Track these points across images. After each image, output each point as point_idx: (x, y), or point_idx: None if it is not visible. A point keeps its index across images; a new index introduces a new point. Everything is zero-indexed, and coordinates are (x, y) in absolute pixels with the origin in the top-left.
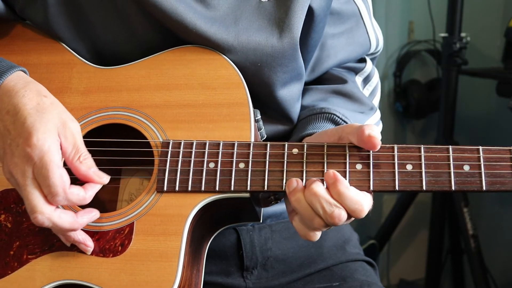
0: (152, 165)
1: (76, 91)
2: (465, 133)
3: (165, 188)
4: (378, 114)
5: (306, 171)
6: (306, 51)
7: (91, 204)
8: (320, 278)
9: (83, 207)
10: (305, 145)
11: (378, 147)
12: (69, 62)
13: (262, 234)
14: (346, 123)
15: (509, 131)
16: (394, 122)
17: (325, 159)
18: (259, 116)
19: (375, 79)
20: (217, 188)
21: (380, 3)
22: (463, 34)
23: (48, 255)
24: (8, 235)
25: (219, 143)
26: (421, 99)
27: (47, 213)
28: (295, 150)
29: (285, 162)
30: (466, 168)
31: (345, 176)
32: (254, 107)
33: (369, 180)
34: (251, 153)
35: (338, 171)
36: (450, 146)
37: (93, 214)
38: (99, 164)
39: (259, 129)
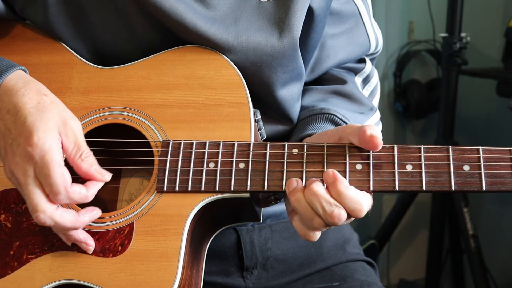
0: (152, 165)
1: (76, 91)
2: (465, 133)
3: (165, 188)
4: (377, 114)
5: (306, 171)
6: (306, 51)
7: (91, 204)
8: (320, 278)
9: (83, 206)
10: (305, 145)
11: (380, 147)
12: (69, 62)
13: (262, 234)
14: (346, 123)
15: (509, 131)
16: (394, 122)
17: (325, 159)
18: (259, 116)
19: (375, 80)
20: (217, 188)
21: (380, 3)
22: (463, 34)
23: (48, 255)
24: (8, 235)
25: (219, 143)
26: (421, 99)
27: (49, 212)
28: (295, 150)
29: (285, 162)
30: (466, 168)
31: (345, 176)
32: (254, 107)
33: (369, 180)
34: (251, 153)
35: (338, 171)
36: (450, 146)
37: (95, 212)
38: (99, 164)
39: (259, 129)
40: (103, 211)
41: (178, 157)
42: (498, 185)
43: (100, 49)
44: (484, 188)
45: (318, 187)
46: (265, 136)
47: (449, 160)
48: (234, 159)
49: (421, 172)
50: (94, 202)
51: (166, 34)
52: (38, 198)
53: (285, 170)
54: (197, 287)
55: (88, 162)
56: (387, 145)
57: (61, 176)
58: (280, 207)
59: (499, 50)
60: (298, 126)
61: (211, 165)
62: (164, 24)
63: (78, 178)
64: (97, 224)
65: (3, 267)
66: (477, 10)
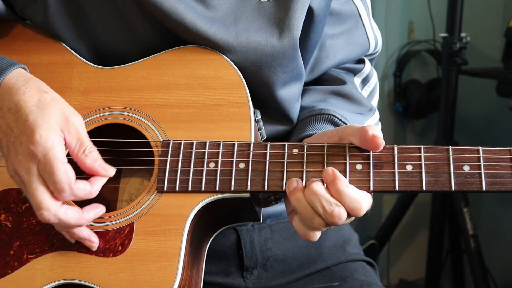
0: (152, 165)
1: (77, 91)
2: (465, 133)
3: (165, 188)
4: (377, 115)
5: (306, 171)
6: (306, 51)
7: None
8: (320, 278)
9: (82, 204)
10: (305, 145)
11: (381, 147)
12: (69, 62)
13: (262, 234)
14: (346, 124)
15: (509, 131)
16: (394, 122)
17: (325, 159)
18: (259, 116)
19: (374, 80)
20: (217, 188)
21: (380, 3)
22: (463, 34)
23: (48, 255)
24: (8, 235)
25: (219, 143)
26: (421, 99)
27: (53, 210)
28: (295, 150)
29: (285, 162)
30: (466, 168)
31: (345, 176)
32: (254, 107)
33: (369, 180)
34: (251, 153)
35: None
36: (450, 146)
37: (99, 209)
38: None
39: (259, 129)
40: None
41: (178, 157)
42: (498, 185)
43: (100, 49)
44: (484, 188)
45: (318, 187)
46: (265, 136)
47: (449, 160)
48: (234, 159)
49: (421, 172)
50: (94, 202)
51: (166, 34)
52: (42, 195)
53: (285, 170)
54: (197, 287)
55: (92, 157)
56: (387, 145)
57: (64, 173)
58: (280, 207)
59: (499, 50)
60: (298, 127)
61: (211, 165)
62: (164, 24)
63: (83, 172)
64: (97, 224)
65: (3, 267)
66: (477, 10)
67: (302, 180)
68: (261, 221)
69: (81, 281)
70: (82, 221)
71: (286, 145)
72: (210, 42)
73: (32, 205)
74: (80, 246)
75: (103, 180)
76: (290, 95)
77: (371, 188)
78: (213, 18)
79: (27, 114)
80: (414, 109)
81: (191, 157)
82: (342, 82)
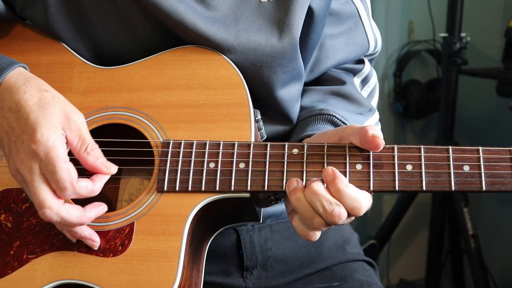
0: (152, 165)
1: (77, 91)
2: (465, 133)
3: (165, 188)
4: (376, 115)
5: (306, 171)
6: (305, 52)
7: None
8: (320, 278)
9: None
10: (305, 145)
11: (381, 147)
12: (69, 62)
13: (262, 234)
14: (346, 124)
15: (509, 131)
16: (394, 122)
17: (325, 159)
18: (259, 116)
19: (373, 80)
20: (217, 188)
21: (380, 3)
22: (463, 34)
23: (48, 255)
24: (8, 235)
25: (219, 143)
26: (421, 99)
27: (55, 208)
28: (295, 150)
29: (285, 162)
30: (466, 168)
31: (345, 176)
32: (254, 107)
33: (369, 180)
34: (251, 153)
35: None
36: (450, 146)
37: (101, 208)
38: None
39: (259, 129)
40: None
41: (179, 157)
42: (498, 185)
43: (100, 49)
44: (484, 188)
45: (318, 186)
46: (265, 136)
47: (449, 160)
48: (235, 159)
49: (421, 172)
50: (94, 202)
51: (166, 34)
52: (44, 194)
53: (285, 170)
54: (197, 287)
55: (94, 155)
56: (387, 145)
57: (67, 172)
58: (280, 207)
59: (499, 50)
60: (298, 127)
61: (212, 165)
62: (164, 24)
63: (85, 170)
64: (97, 224)
65: (3, 267)
66: (477, 10)
67: (302, 180)
68: (261, 221)
69: (81, 281)
70: (84, 220)
71: (286, 145)
72: (210, 42)
73: (34, 204)
74: (80, 246)
75: (105, 178)
76: (290, 95)
77: (371, 188)
78: (213, 18)
79: (28, 113)
80: (414, 109)
81: (191, 157)
82: (342, 82)
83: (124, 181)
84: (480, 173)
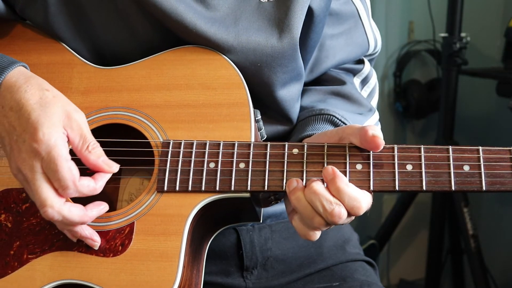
0: (152, 165)
1: (77, 91)
2: (465, 133)
3: (165, 188)
4: (376, 115)
5: (306, 171)
6: (305, 52)
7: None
8: (320, 278)
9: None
10: (305, 145)
11: (381, 147)
12: (69, 62)
13: (262, 234)
14: (345, 124)
15: (509, 131)
16: (394, 122)
17: (325, 159)
18: (259, 116)
19: (373, 81)
20: (217, 188)
21: (380, 3)
22: (463, 34)
23: (48, 255)
24: (8, 235)
25: (219, 143)
26: (421, 99)
27: (57, 207)
28: (295, 150)
29: (285, 162)
30: (466, 168)
31: (345, 176)
32: (254, 107)
33: (369, 180)
34: (251, 153)
35: None
36: (450, 146)
37: (102, 207)
38: None
39: (259, 129)
40: None
41: (179, 157)
42: (498, 185)
43: (100, 49)
44: (484, 188)
45: (318, 186)
46: (265, 136)
47: (449, 160)
48: (235, 159)
49: (421, 172)
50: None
51: (166, 34)
52: (46, 193)
53: (285, 170)
54: (197, 287)
55: (96, 153)
56: (387, 145)
57: (68, 170)
58: (280, 207)
59: (499, 50)
60: (298, 127)
61: (212, 165)
62: (164, 24)
63: (86, 169)
64: (97, 224)
65: (4, 267)
66: (477, 10)
67: (302, 180)
68: (261, 221)
69: (81, 281)
70: (86, 219)
71: (286, 145)
72: (210, 42)
73: (36, 203)
74: (80, 246)
75: (107, 177)
76: (290, 95)
77: (371, 188)
78: (213, 18)
79: (29, 112)
80: (414, 109)
81: (191, 157)
82: (342, 83)
83: (124, 181)
84: (480, 173)
